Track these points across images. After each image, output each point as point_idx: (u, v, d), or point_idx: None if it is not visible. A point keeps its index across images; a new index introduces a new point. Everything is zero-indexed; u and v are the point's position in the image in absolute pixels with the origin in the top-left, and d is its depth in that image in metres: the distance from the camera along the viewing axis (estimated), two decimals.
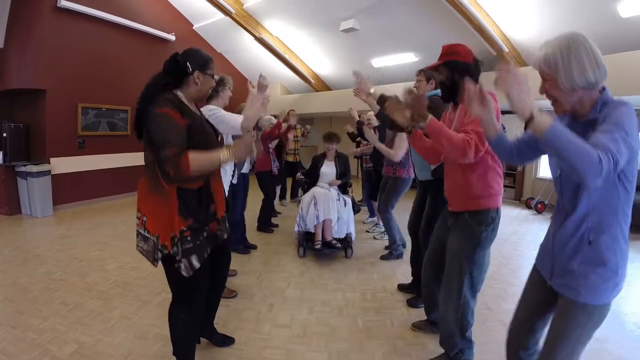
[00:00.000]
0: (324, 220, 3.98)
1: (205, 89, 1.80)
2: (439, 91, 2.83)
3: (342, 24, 6.64)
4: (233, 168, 3.02)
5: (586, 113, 1.24)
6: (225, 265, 2.21)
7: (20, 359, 2.17)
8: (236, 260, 3.57)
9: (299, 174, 4.53)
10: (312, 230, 4.06)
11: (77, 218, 5.65)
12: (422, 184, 3.02)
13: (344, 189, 4.38)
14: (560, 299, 1.35)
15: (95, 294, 3.08)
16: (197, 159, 1.61)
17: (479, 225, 1.93)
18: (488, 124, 1.40)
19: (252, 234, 4.58)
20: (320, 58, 8.48)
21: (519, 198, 7.30)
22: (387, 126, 3.14)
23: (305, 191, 4.49)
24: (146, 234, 1.76)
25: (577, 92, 1.21)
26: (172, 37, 7.80)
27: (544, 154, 1.42)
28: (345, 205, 4.15)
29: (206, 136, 1.81)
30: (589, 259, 1.25)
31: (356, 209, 4.39)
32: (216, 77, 1.88)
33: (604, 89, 1.24)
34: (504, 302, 3.03)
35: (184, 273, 1.72)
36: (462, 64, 1.92)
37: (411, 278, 3.21)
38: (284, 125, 4.93)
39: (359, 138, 5.27)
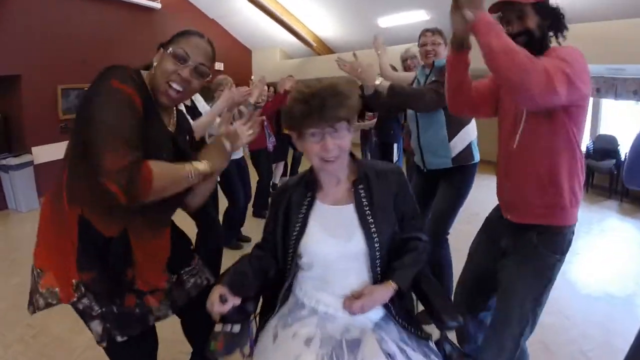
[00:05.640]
0: None
1: (160, 68, 1.19)
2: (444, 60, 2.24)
3: None
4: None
5: None
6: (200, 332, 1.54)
7: None
8: (227, 256, 3.08)
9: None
10: None
11: None
12: (430, 174, 2.42)
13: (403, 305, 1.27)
14: None
15: (67, 310, 2.70)
16: (161, 173, 1.05)
17: (553, 254, 1.36)
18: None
19: (247, 221, 4.04)
20: (321, 19, 7.71)
21: None
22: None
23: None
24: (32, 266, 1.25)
25: None
26: (157, 5, 6.97)
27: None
28: None
29: (158, 136, 1.20)
30: None
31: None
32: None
33: None
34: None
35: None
36: (555, 10, 1.37)
37: None
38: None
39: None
